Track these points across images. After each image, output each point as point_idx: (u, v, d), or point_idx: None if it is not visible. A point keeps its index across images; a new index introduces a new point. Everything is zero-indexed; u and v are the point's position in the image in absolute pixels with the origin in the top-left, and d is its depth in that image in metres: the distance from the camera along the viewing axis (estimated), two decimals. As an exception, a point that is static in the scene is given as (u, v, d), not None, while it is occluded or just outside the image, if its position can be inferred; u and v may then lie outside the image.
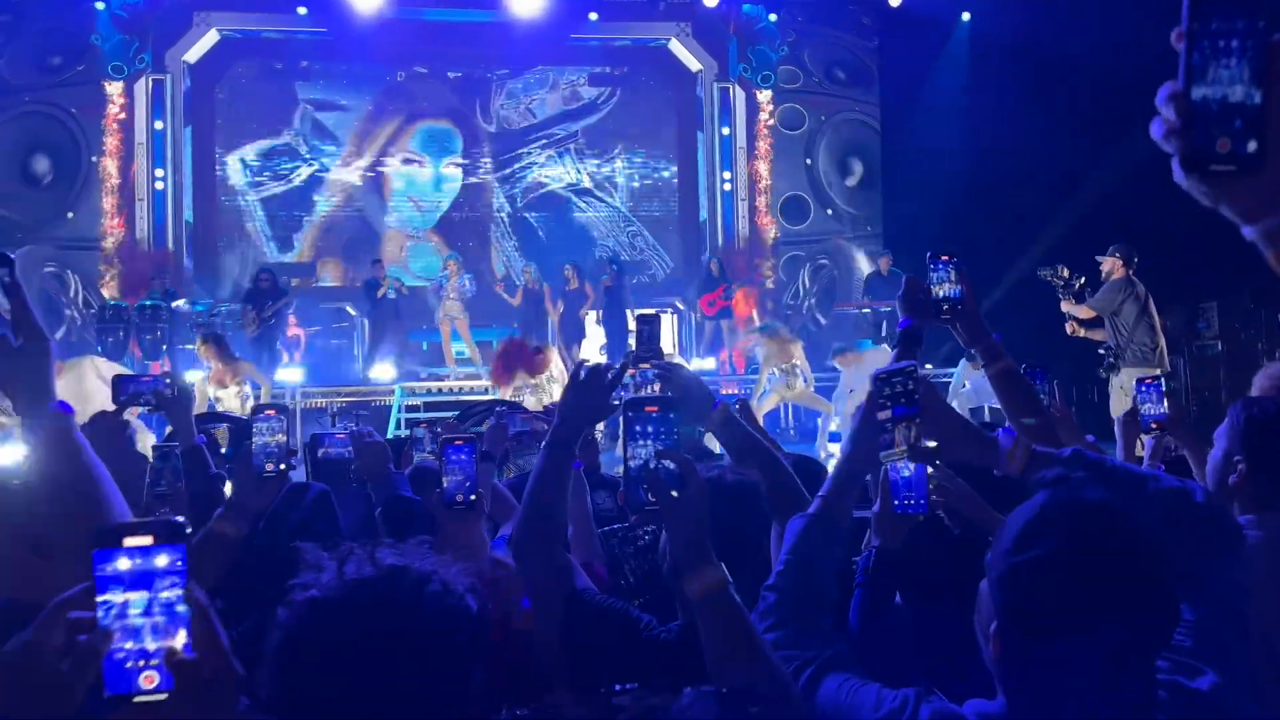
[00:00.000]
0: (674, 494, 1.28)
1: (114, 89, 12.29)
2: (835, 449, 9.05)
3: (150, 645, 0.83)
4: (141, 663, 0.83)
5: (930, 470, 1.77)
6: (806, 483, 1.89)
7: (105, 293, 11.87)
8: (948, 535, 1.84)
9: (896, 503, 1.75)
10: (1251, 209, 0.73)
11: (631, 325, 9.37)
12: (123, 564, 0.83)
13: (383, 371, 10.53)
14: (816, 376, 9.16)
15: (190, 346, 9.65)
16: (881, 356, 9.13)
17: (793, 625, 1.28)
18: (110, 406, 2.17)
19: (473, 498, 1.77)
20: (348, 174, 13.27)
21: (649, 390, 1.81)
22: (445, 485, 1.77)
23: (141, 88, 12.38)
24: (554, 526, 1.60)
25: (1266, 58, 0.70)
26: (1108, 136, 10.55)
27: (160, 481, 2.51)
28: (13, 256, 1.33)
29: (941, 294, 1.83)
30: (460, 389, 10.20)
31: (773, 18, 13.25)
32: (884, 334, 10.58)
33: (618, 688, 0.95)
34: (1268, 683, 1.44)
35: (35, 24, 11.92)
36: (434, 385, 10.44)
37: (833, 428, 9.13)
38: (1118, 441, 2.38)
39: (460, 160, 13.48)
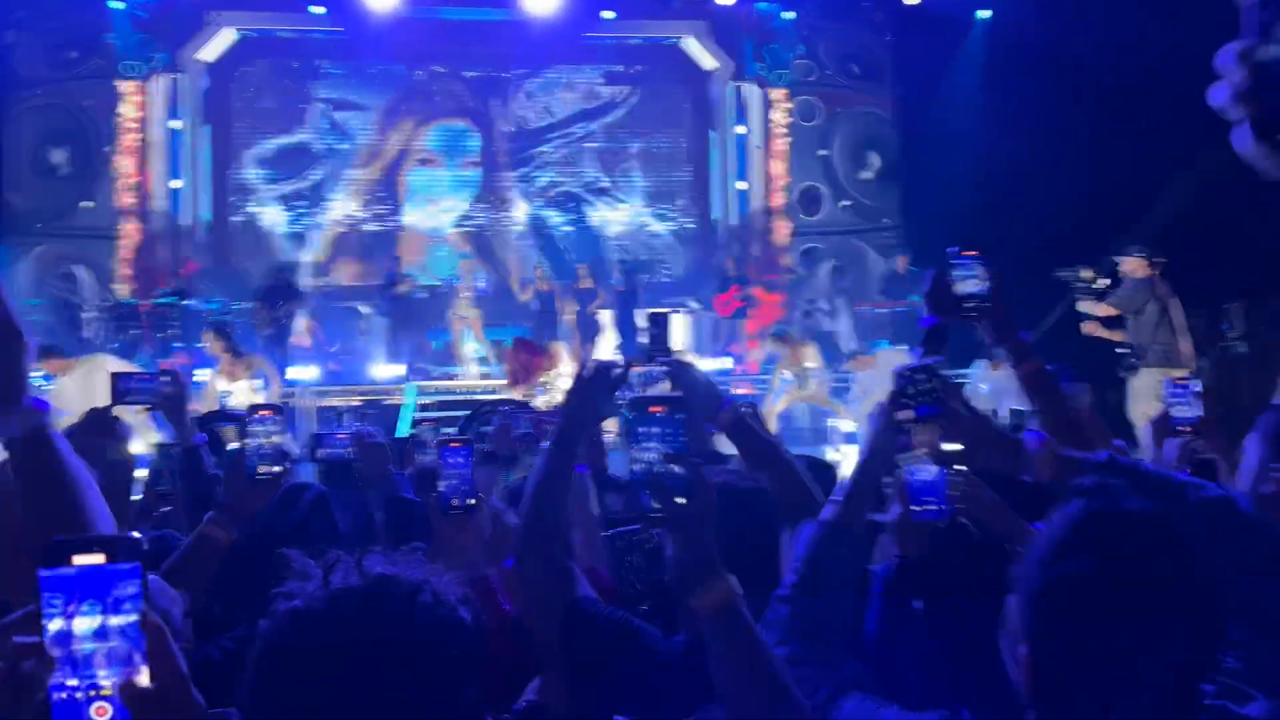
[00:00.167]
0: (680, 501, 1.20)
1: (129, 87, 12.33)
2: (849, 450, 8.95)
3: (102, 675, 0.76)
4: (93, 693, 0.76)
5: (951, 474, 1.70)
6: (816, 484, 1.82)
7: (119, 291, 11.90)
8: (970, 542, 1.76)
9: (915, 508, 1.67)
10: None
11: (642, 324, 9.29)
12: (72, 584, 0.76)
13: (390, 371, 10.50)
14: (829, 378, 9.08)
15: (203, 345, 9.65)
16: (896, 357, 9.03)
17: (806, 640, 1.20)
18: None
19: (470, 502, 1.71)
20: (364, 173, 13.27)
21: (657, 389, 1.74)
22: (441, 489, 1.70)
23: (157, 86, 12.41)
24: (554, 531, 1.53)
25: None
26: (1128, 135, 10.44)
27: (160, 480, 2.47)
28: None
29: (967, 290, 1.75)
30: (473, 388, 10.16)
31: (787, 15, 13.14)
32: (902, 332, 10.45)
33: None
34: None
35: (51, 21, 11.98)
36: (446, 385, 10.41)
37: (847, 428, 9.03)
38: (1148, 445, 2.28)
39: (477, 159, 13.46)
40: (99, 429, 1.88)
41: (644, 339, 2.10)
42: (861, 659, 1.38)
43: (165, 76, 12.42)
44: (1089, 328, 6.95)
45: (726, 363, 11.15)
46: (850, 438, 9.02)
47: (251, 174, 13.05)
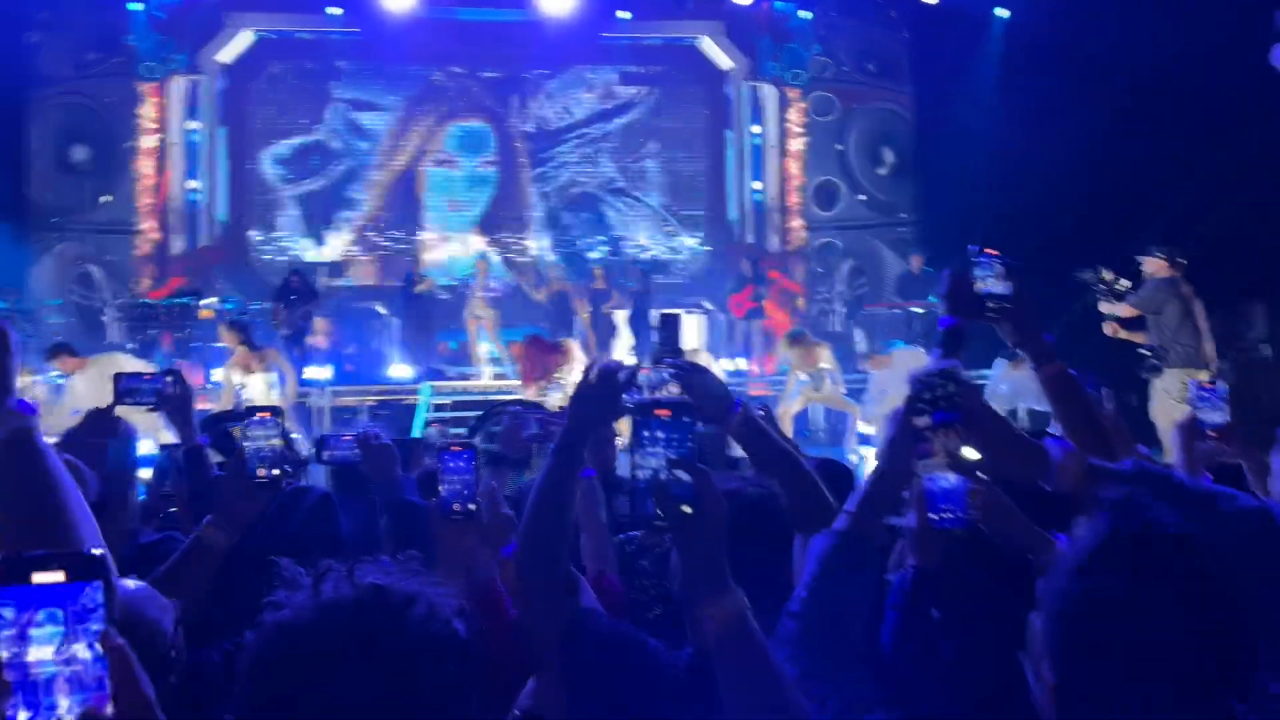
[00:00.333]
0: (686, 510, 1.14)
1: (147, 88, 12.41)
2: (865, 452, 8.86)
3: (62, 701, 0.72)
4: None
5: (971, 482, 1.64)
6: (832, 487, 1.77)
7: (137, 290, 11.97)
8: (990, 552, 1.70)
9: (934, 516, 1.61)
10: None
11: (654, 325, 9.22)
12: (30, 603, 0.71)
13: (406, 371, 10.50)
14: (845, 379, 8.98)
15: (220, 344, 9.68)
16: (912, 356, 8.92)
17: (818, 657, 1.14)
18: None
19: (471, 507, 1.66)
20: (382, 173, 13.30)
21: (664, 391, 1.68)
22: (442, 494, 1.66)
23: (176, 88, 12.48)
24: (558, 538, 1.47)
25: None
26: (1148, 135, 10.32)
27: (165, 481, 2.44)
28: None
29: (987, 290, 1.69)
30: (488, 389, 10.15)
31: (804, 15, 13.06)
32: (916, 334, 10.35)
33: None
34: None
35: (73, 22, 12.09)
36: (461, 385, 10.40)
37: (862, 429, 8.94)
38: (1175, 451, 2.20)
39: (495, 159, 13.45)
40: (100, 429, 1.85)
41: (654, 340, 2.05)
42: (876, 677, 1.33)
43: (184, 78, 12.49)
44: (1110, 329, 6.84)
45: (741, 364, 11.09)
46: (866, 440, 8.93)
47: (269, 174, 13.10)
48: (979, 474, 1.38)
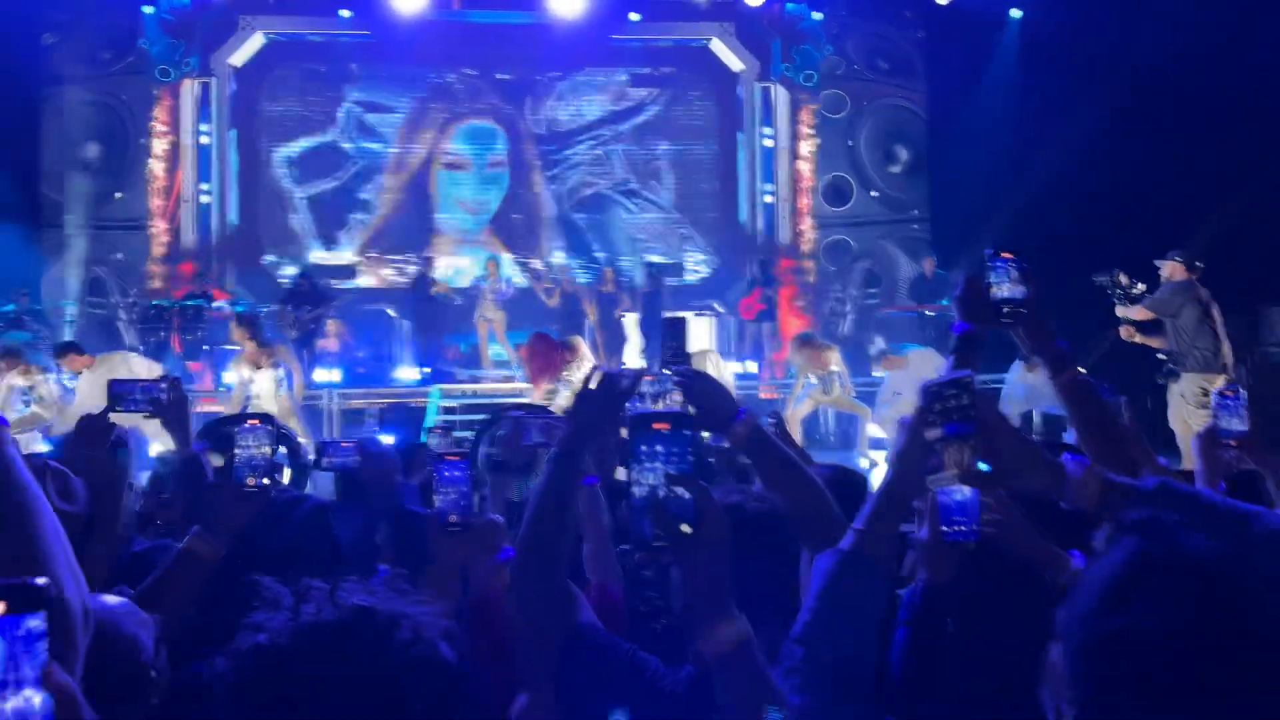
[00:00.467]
0: (686, 529, 1.07)
1: (160, 90, 12.46)
2: (877, 456, 8.77)
3: None
4: None
5: (984, 494, 1.58)
6: (844, 495, 1.71)
7: (148, 293, 12.02)
8: (1002, 565, 1.64)
9: (946, 529, 1.56)
10: None
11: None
12: None
13: (416, 374, 10.49)
14: (855, 382, 8.90)
15: (231, 346, 9.70)
16: (927, 356, 8.82)
17: (823, 689, 1.07)
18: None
19: (468, 518, 1.61)
20: (394, 176, 13.30)
21: (667, 400, 1.63)
22: (437, 504, 1.61)
23: (188, 90, 12.52)
24: (556, 549, 1.41)
25: None
26: (1164, 137, 10.22)
27: (163, 489, 2.41)
28: None
29: (1003, 294, 1.64)
30: (498, 392, 10.12)
31: (817, 16, 13.00)
32: (929, 338, 10.26)
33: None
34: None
35: (87, 23, 12.17)
36: (470, 388, 10.37)
37: (873, 434, 8.85)
38: (1196, 461, 2.13)
39: (506, 161, 13.44)
40: (92, 437, 1.82)
41: (660, 346, 2.00)
42: (884, 697, 1.27)
43: (195, 80, 12.53)
44: (1126, 333, 6.75)
45: (752, 366, 11.02)
46: (875, 443, 8.84)
47: (280, 177, 13.12)
48: (992, 489, 1.32)
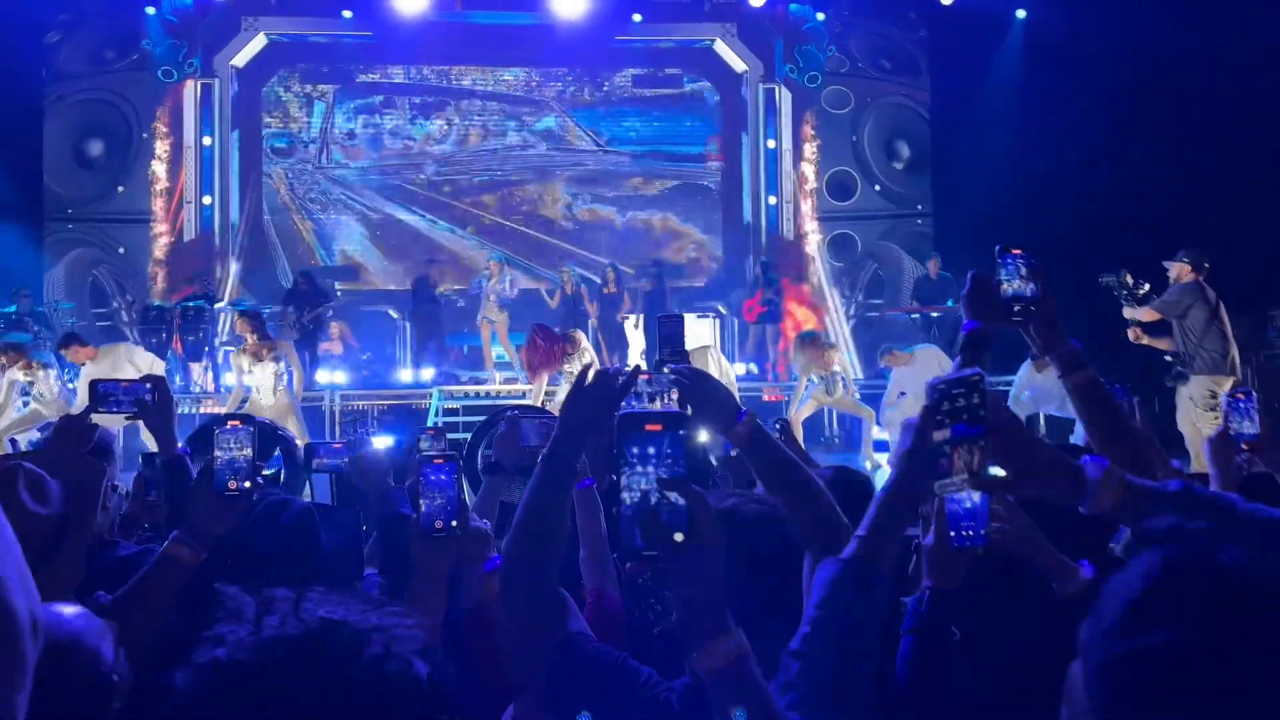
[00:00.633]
0: (679, 538, 1.01)
1: (162, 91, 12.44)
2: (881, 458, 8.69)
3: None
4: None
5: (993, 499, 1.52)
6: (847, 496, 1.65)
7: (149, 294, 12.01)
8: (1012, 573, 1.59)
9: (953, 534, 1.50)
10: None
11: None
12: None
13: (423, 374, 10.47)
14: (858, 384, 8.83)
15: (232, 348, 9.67)
16: (934, 354, 8.75)
17: (822, 704, 1.00)
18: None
19: (454, 524, 1.55)
20: (396, 177, 13.27)
21: (664, 399, 1.56)
22: (423, 509, 1.54)
23: (190, 91, 12.50)
24: (546, 554, 1.35)
25: None
26: (1170, 138, 10.16)
27: (150, 491, 2.36)
28: None
29: (1012, 292, 1.58)
30: (500, 393, 10.07)
31: (820, 17, 12.94)
32: (936, 339, 10.19)
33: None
34: None
35: (91, 23, 12.17)
36: (472, 389, 10.32)
37: (877, 435, 8.78)
38: (1209, 466, 2.07)
39: (508, 162, 13.40)
40: (73, 437, 1.76)
41: (657, 344, 1.94)
42: (888, 708, 1.21)
43: (198, 81, 12.51)
44: (1133, 334, 6.67)
45: (755, 368, 10.96)
46: (880, 445, 8.76)
47: (282, 179, 13.10)
48: (1003, 494, 1.26)
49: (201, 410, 9.29)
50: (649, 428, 1.06)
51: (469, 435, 5.83)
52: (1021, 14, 12.33)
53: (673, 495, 1.03)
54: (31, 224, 11.70)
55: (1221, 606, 0.70)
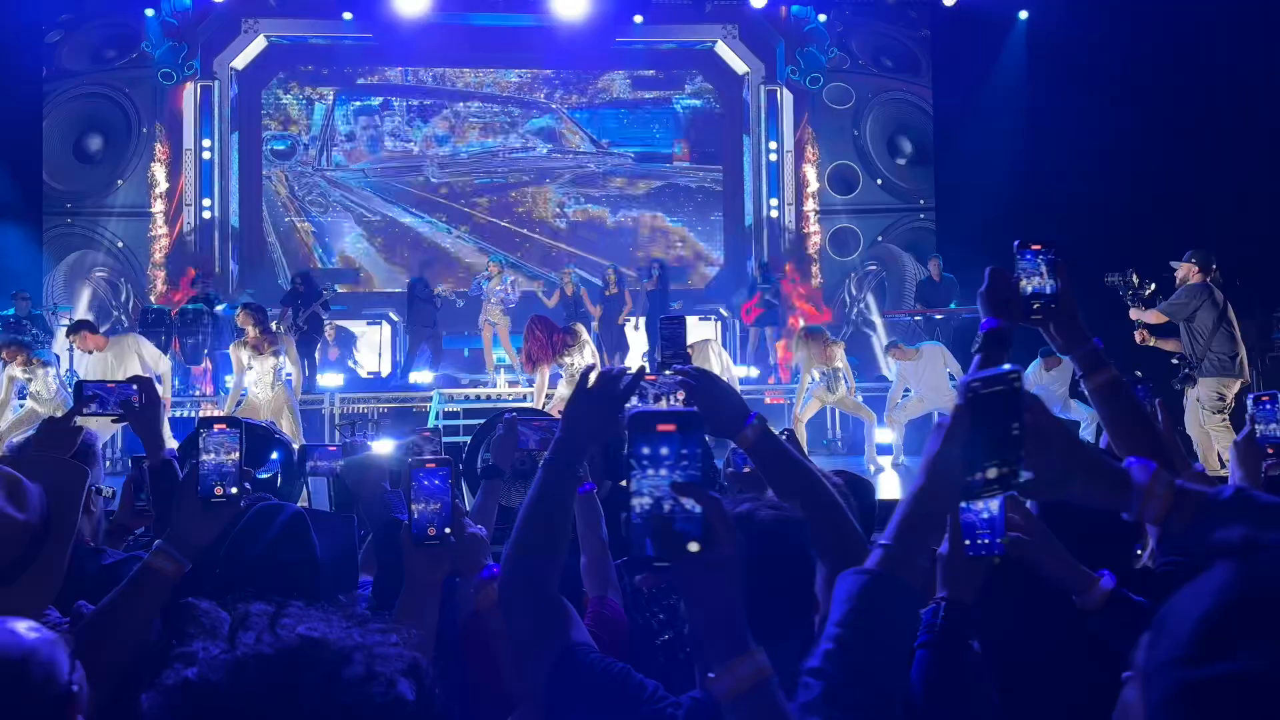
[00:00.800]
0: (694, 548, 0.93)
1: (162, 93, 12.41)
2: (884, 462, 8.62)
3: None
4: None
5: (1009, 505, 1.46)
6: (848, 503, 1.58)
7: (150, 296, 11.97)
8: (1030, 584, 1.52)
9: (968, 543, 1.44)
10: None
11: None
12: None
13: (421, 377, 10.41)
14: (861, 386, 8.75)
15: (229, 351, 9.62)
16: (939, 352, 8.68)
17: None
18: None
19: (446, 531, 1.48)
20: (394, 179, 13.22)
21: (670, 401, 1.50)
22: (414, 516, 1.47)
23: (190, 93, 12.46)
24: (547, 563, 1.30)
25: None
26: (1174, 137, 10.11)
27: (140, 496, 2.29)
28: None
29: (1031, 289, 1.51)
30: (501, 396, 10.01)
31: (822, 18, 12.89)
32: (937, 339, 10.12)
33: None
34: None
35: (92, 24, 12.14)
36: (473, 392, 10.26)
37: (880, 439, 8.70)
38: (1234, 471, 2.01)
39: (508, 164, 13.36)
40: (57, 439, 1.70)
41: (659, 345, 1.88)
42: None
43: (197, 83, 12.48)
44: (1140, 336, 6.61)
45: (755, 371, 10.89)
46: (883, 449, 8.69)
47: (281, 181, 13.06)
48: (1019, 502, 1.18)
49: (201, 414, 9.24)
50: (661, 428, 0.97)
51: (469, 439, 5.78)
52: (1024, 15, 12.29)
53: (687, 501, 0.95)
54: (31, 223, 11.66)
55: None
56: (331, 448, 2.13)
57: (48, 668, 0.95)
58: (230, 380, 8.43)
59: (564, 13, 12.06)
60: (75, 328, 7.98)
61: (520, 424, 2.28)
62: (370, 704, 0.76)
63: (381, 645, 0.80)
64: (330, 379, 10.27)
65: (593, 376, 1.44)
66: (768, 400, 9.91)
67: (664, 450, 0.97)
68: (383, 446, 2.43)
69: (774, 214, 13.10)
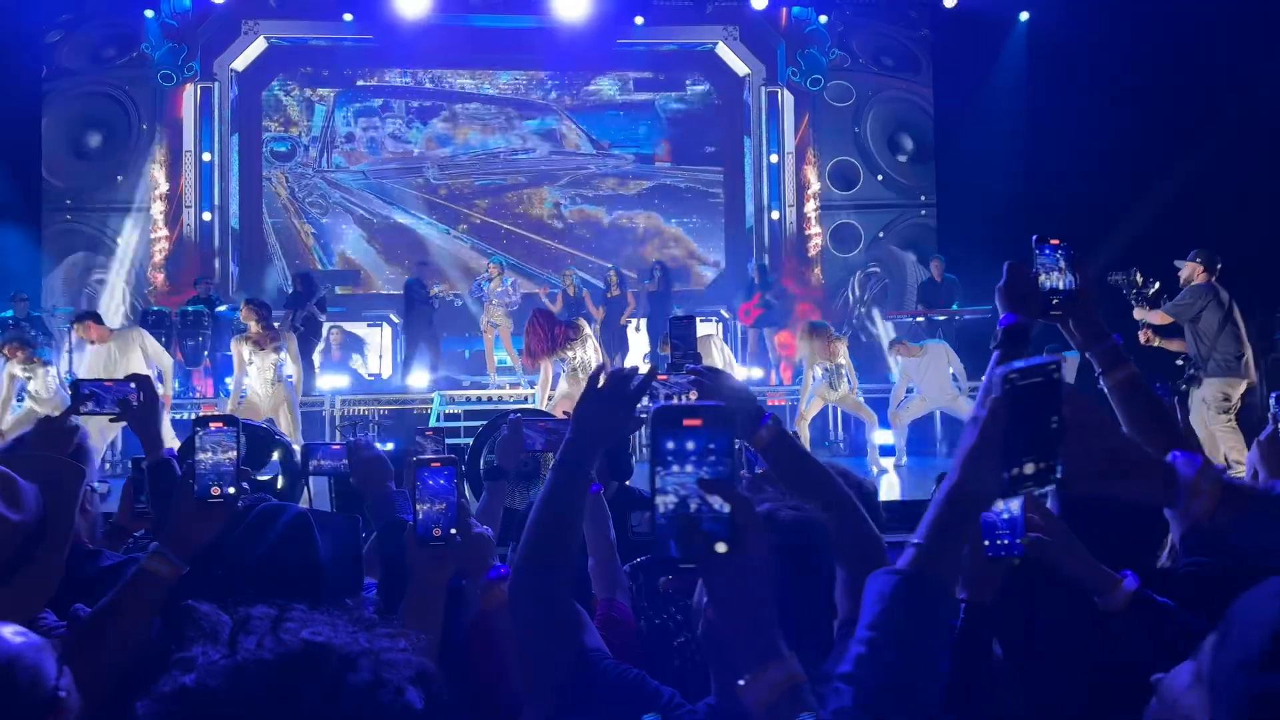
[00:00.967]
0: (721, 548, 0.89)
1: (162, 95, 12.39)
2: (886, 463, 8.58)
3: None
4: None
5: (1029, 505, 1.43)
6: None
7: (149, 297, 11.94)
8: (1051, 585, 1.49)
9: (987, 543, 1.40)
10: None
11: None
12: None
13: (418, 379, 10.37)
14: (863, 387, 8.71)
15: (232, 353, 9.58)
16: (943, 350, 8.64)
17: None
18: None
19: (452, 532, 1.45)
20: (394, 181, 13.20)
21: (684, 399, 1.46)
22: (419, 516, 1.43)
23: (189, 95, 12.44)
24: (560, 566, 1.26)
25: None
26: (1176, 137, 10.09)
27: (140, 497, 2.26)
28: None
29: (1050, 284, 1.48)
30: (503, 398, 9.98)
31: (823, 19, 12.87)
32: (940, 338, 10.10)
33: None
34: None
35: (92, 24, 12.12)
36: (474, 394, 10.23)
37: (882, 439, 8.66)
38: (1258, 470, 1.97)
39: (508, 166, 13.33)
40: (53, 438, 1.67)
41: (669, 346, 1.85)
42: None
43: (197, 85, 12.45)
44: (1145, 337, 6.57)
45: (756, 372, 10.86)
46: (885, 450, 8.64)
47: (281, 182, 13.03)
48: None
49: (202, 415, 9.20)
50: (687, 422, 0.93)
51: (470, 441, 5.75)
52: (1024, 16, 12.28)
53: (714, 500, 0.91)
54: (30, 222, 11.63)
55: None
56: (335, 446, 2.09)
57: (33, 673, 0.92)
58: (231, 381, 8.40)
59: (564, 14, 12.04)
60: (80, 317, 7.98)
61: (525, 425, 2.25)
62: (377, 712, 0.73)
63: (389, 651, 0.77)
64: (332, 380, 10.23)
65: (603, 377, 1.41)
66: (770, 402, 9.88)
67: (690, 445, 0.93)
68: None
69: (774, 215, 13.08)
